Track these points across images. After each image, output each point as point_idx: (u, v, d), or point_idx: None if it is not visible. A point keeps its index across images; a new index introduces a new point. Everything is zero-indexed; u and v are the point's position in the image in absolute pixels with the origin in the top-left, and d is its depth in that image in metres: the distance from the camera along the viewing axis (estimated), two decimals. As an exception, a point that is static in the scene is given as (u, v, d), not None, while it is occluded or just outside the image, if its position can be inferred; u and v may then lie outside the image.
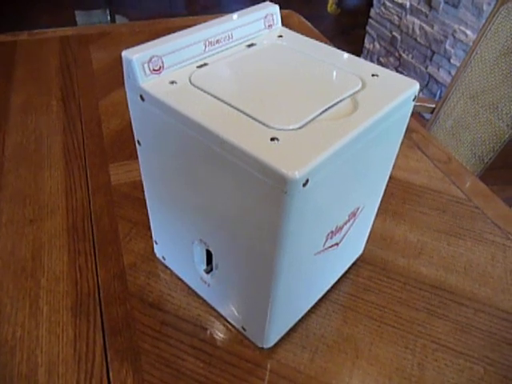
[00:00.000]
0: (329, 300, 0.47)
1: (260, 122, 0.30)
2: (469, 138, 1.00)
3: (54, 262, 0.49)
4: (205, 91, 0.33)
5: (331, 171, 0.29)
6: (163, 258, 0.48)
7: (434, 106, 1.06)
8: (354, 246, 0.47)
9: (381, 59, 2.32)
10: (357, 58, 0.39)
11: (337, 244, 0.39)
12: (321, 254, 0.37)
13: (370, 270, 0.50)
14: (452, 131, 1.03)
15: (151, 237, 0.48)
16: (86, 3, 3.08)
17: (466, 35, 1.76)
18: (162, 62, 0.34)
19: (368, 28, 2.37)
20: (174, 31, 0.36)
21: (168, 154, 0.35)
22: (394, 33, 2.16)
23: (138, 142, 0.38)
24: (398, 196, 0.60)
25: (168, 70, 0.34)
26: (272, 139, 0.28)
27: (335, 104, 0.32)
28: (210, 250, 0.39)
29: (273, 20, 0.42)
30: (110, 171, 0.61)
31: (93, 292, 0.46)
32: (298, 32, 0.42)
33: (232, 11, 0.40)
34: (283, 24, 0.43)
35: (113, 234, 0.53)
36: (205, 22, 0.39)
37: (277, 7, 0.42)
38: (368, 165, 0.35)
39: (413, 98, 0.35)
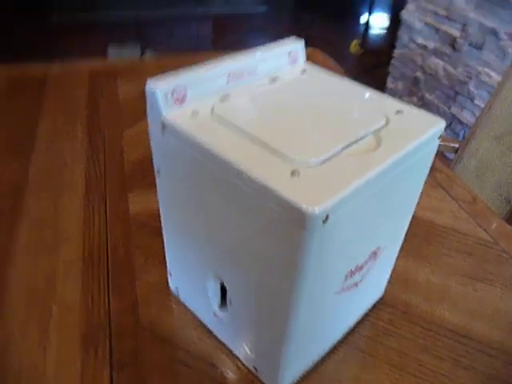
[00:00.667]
0: (347, 344, 0.44)
1: (281, 154, 0.29)
2: (493, 179, 0.97)
3: (67, 291, 0.49)
4: (226, 123, 0.32)
5: (352, 208, 0.28)
6: (177, 289, 0.47)
7: (457, 145, 1.04)
8: (374, 286, 0.46)
9: (404, 98, 2.33)
10: (381, 94, 0.38)
11: (356, 284, 0.38)
12: (340, 294, 0.36)
13: (391, 312, 0.48)
14: (476, 172, 1.00)
15: (166, 268, 0.47)
16: (118, 36, 3.21)
17: (490, 77, 1.76)
18: (185, 93, 0.34)
19: (390, 68, 2.40)
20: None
21: (186, 186, 0.35)
22: (417, 73, 2.18)
23: (158, 171, 0.38)
24: (422, 236, 0.58)
25: (191, 100, 0.34)
26: (293, 173, 0.28)
27: (358, 140, 0.32)
28: (225, 285, 0.37)
29: (297, 56, 0.42)
30: (128, 200, 0.61)
31: (104, 323, 0.45)
32: (324, 67, 0.43)
33: (258, 46, 0.40)
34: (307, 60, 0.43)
35: (127, 264, 0.52)
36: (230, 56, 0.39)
37: (302, 43, 0.42)
38: (390, 203, 0.34)
39: (438, 136, 0.34)
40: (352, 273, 0.35)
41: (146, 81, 0.33)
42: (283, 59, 0.41)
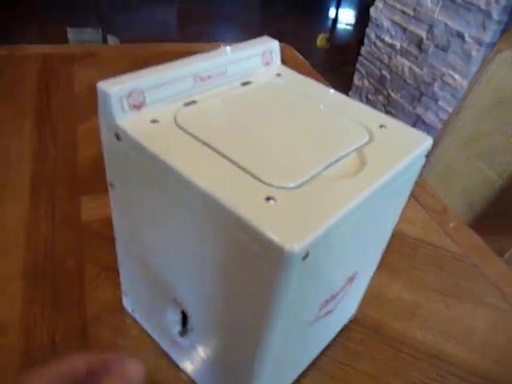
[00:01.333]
0: (317, 368, 0.42)
1: (254, 176, 0.25)
2: (460, 185, 0.98)
3: (3, 310, 0.43)
4: (191, 134, 0.28)
5: (334, 239, 0.25)
6: (133, 311, 0.43)
7: (424, 149, 1.04)
8: (347, 309, 0.43)
9: (369, 96, 2.34)
10: (362, 105, 0.35)
11: (331, 311, 0.35)
12: (313, 324, 0.32)
13: (362, 332, 0.45)
14: (443, 177, 1.00)
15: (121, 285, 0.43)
16: (78, 21, 3.06)
17: (454, 79, 1.78)
18: (144, 97, 0.29)
19: (358, 65, 2.40)
20: (164, 57, 0.32)
21: (144, 203, 0.31)
22: (384, 72, 2.19)
23: (111, 184, 0.33)
24: (393, 249, 0.56)
25: (150, 106, 0.30)
26: (267, 199, 0.24)
27: (340, 158, 0.28)
28: (186, 312, 0.33)
29: (271, 57, 0.38)
30: (81, 204, 0.56)
31: (46, 348, 0.40)
32: (291, 67, 0.39)
33: (226, 39, 0.36)
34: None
35: (77, 279, 0.47)
36: (198, 49, 0.35)
37: (276, 43, 0.38)
38: (372, 227, 0.31)
39: (425, 153, 0.32)
40: (327, 302, 0.32)
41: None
42: (256, 61, 0.37)
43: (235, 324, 0.29)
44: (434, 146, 1.02)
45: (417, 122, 2.02)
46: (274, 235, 0.22)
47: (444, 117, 1.86)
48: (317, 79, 0.37)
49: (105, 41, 2.97)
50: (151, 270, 0.35)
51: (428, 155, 0.94)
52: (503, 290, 0.52)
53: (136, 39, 2.96)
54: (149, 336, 0.42)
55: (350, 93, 2.48)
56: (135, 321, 0.43)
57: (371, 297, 0.49)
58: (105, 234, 0.51)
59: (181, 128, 0.29)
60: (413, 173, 0.32)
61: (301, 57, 1.06)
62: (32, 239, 0.50)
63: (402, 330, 0.46)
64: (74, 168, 0.61)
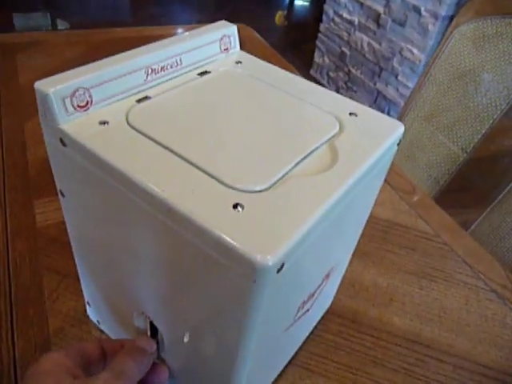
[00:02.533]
0: (296, 364, 0.40)
1: (218, 180, 0.23)
2: (424, 160, 0.98)
3: (-44, 333, 0.39)
4: (145, 135, 0.25)
5: (310, 244, 0.23)
6: (98, 322, 0.40)
7: (388, 126, 1.04)
8: (324, 302, 0.42)
9: (330, 73, 2.33)
10: (329, 91, 0.33)
11: (308, 310, 0.33)
12: (291, 326, 0.31)
13: (340, 323, 0.45)
14: (407, 153, 1.01)
15: (83, 294, 0.40)
16: (24, 6, 2.89)
17: (413, 53, 1.79)
18: (90, 96, 0.26)
19: (318, 42, 2.38)
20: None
21: (97, 213, 0.28)
22: (343, 48, 2.18)
23: (61, 192, 0.30)
24: (365, 233, 0.55)
25: (98, 105, 0.27)
26: (235, 206, 0.22)
27: (310, 153, 0.26)
28: (155, 323, 0.31)
29: (230, 43, 0.35)
30: (35, 209, 0.52)
31: (7, 370, 0.37)
32: (250, 48, 0.36)
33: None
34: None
35: (36, 291, 0.43)
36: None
37: (234, 28, 0.36)
38: (348, 221, 0.30)
39: (398, 142, 0.30)
40: (304, 303, 0.30)
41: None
42: (214, 48, 0.34)
43: (208, 337, 0.27)
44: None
45: (378, 98, 2.03)
46: (244, 248, 0.20)
47: (404, 91, 1.87)
48: (278, 60, 0.35)
49: (54, 26, 2.82)
50: (113, 281, 0.32)
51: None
52: (473, 267, 0.53)
53: (87, 23, 2.82)
54: (118, 347, 0.39)
55: (311, 71, 2.46)
56: (102, 331, 0.41)
57: (347, 285, 0.48)
58: (62, 240, 0.48)
59: (133, 128, 0.26)
60: (386, 161, 0.30)
61: (260, 37, 1.02)
62: (-18, 251, 0.46)
63: (379, 317, 0.46)
64: (25, 169, 0.57)
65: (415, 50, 1.78)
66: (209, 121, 0.28)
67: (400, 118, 1.02)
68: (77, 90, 0.25)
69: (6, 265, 0.45)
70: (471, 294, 0.50)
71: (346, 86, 2.21)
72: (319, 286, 0.32)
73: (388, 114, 1.99)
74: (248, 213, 0.21)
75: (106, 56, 0.28)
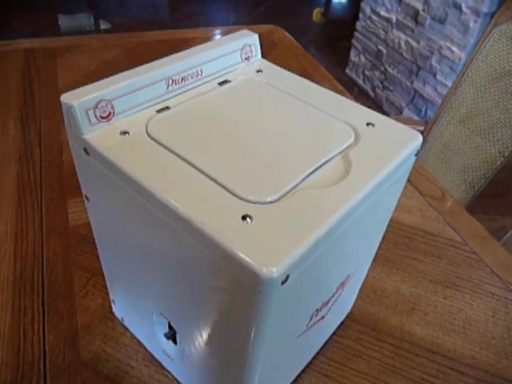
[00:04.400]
0: (313, 369, 0.41)
1: (229, 191, 0.24)
2: (459, 164, 0.96)
3: (-7, 324, 0.42)
4: (163, 145, 0.26)
5: (318, 256, 0.23)
6: (122, 319, 0.42)
7: (422, 128, 1.01)
8: (342, 309, 0.42)
9: (366, 72, 2.29)
10: (349, 100, 0.33)
11: (323, 317, 0.33)
12: (304, 333, 0.31)
13: (359, 330, 0.44)
14: (441, 156, 0.98)
15: (109, 293, 0.42)
16: (69, 8, 3.00)
17: (452, 51, 1.74)
18: (112, 107, 0.27)
19: (353, 41, 2.34)
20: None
21: (118, 218, 0.29)
22: (380, 46, 2.13)
23: (86, 196, 0.32)
24: (389, 239, 0.55)
25: (120, 116, 0.28)
26: (244, 218, 0.22)
27: (323, 164, 0.26)
28: (172, 325, 0.32)
29: (251, 51, 0.36)
30: (68, 208, 0.54)
31: (37, 362, 0.40)
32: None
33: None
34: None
35: (66, 287, 0.46)
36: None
37: (256, 37, 0.36)
38: (362, 233, 0.30)
39: (415, 153, 0.30)
40: (318, 311, 0.31)
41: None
42: (234, 57, 0.35)
43: (220, 343, 0.28)
44: (432, 124, 0.99)
45: (415, 97, 1.98)
46: (249, 260, 0.20)
47: (442, 91, 1.82)
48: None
49: (97, 26, 2.92)
50: (135, 283, 0.34)
51: (426, 134, 0.91)
52: (502, 278, 0.51)
53: (127, 23, 2.90)
54: (140, 344, 0.41)
55: (347, 69, 2.43)
56: (126, 328, 0.42)
57: (368, 291, 0.48)
58: (92, 238, 0.50)
59: (151, 138, 0.27)
60: (403, 173, 0.30)
61: (291, 38, 1.02)
62: (20, 248, 0.49)
63: (400, 326, 0.45)
64: (60, 170, 0.60)
65: (455, 48, 1.73)
66: (225, 131, 0.28)
67: (435, 120, 0.99)
68: (99, 101, 0.27)
69: (40, 262, 0.48)
70: (499, 305, 0.48)
71: (382, 86, 2.17)
72: (334, 295, 0.32)
73: (425, 113, 1.94)
74: (256, 224, 0.22)
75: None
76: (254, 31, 0.37)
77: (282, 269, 0.20)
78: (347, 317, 0.45)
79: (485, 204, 0.90)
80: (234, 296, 0.23)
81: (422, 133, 0.89)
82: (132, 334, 0.42)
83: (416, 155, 0.30)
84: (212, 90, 0.32)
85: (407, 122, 1.18)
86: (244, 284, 0.21)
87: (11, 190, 0.56)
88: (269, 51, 0.93)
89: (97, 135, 0.27)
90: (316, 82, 0.35)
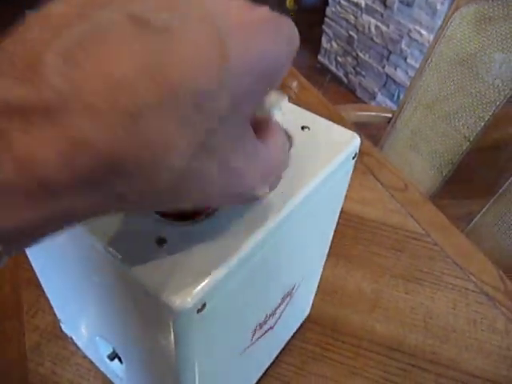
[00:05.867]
0: (271, 376, 0.40)
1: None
2: (427, 150, 0.95)
3: None
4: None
5: (243, 278, 0.22)
6: (71, 338, 0.40)
7: (390, 115, 1.01)
8: (296, 314, 0.41)
9: (339, 58, 2.27)
10: (287, 103, 0.31)
11: (271, 327, 0.32)
12: (249, 347, 0.30)
13: (319, 332, 0.44)
14: (410, 142, 0.98)
15: (57, 311, 0.40)
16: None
17: (421, 35, 1.73)
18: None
19: (325, 27, 2.32)
20: None
21: (52, 252, 0.27)
22: (351, 32, 2.12)
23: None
24: (350, 234, 0.54)
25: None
26: (159, 242, 0.21)
27: (251, 176, 0.25)
28: (113, 347, 0.31)
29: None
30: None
31: (-18, 388, 0.38)
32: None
33: None
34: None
35: (15, 306, 0.44)
36: None
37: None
38: (297, 245, 0.28)
39: (353, 155, 0.29)
40: (262, 324, 0.30)
41: None
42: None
43: (155, 365, 0.26)
44: (400, 110, 0.99)
45: (387, 82, 1.98)
46: (161, 291, 0.19)
47: (413, 74, 1.82)
48: None
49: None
50: (74, 303, 0.32)
51: (394, 121, 0.90)
52: (463, 268, 0.51)
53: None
54: (92, 363, 0.39)
55: (319, 56, 2.42)
56: (77, 347, 0.41)
57: (328, 291, 0.47)
58: (43, 253, 0.48)
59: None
60: (341, 178, 0.29)
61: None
62: (-37, 267, 0.47)
63: (360, 325, 0.45)
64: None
65: (424, 32, 1.72)
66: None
67: (402, 106, 0.99)
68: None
69: (-14, 280, 0.46)
70: (460, 297, 0.48)
71: (355, 71, 2.16)
72: (279, 305, 0.31)
73: (398, 98, 1.94)
74: (171, 248, 0.21)
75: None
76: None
77: (194, 299, 0.19)
78: (306, 319, 0.44)
79: (453, 189, 0.90)
80: (154, 322, 0.21)
81: (389, 119, 0.88)
82: (85, 355, 0.40)
83: (354, 158, 0.29)
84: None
85: (376, 109, 1.17)
86: (159, 313, 0.20)
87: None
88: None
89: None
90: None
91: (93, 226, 0.21)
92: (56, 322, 0.42)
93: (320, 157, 0.26)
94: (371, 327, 0.44)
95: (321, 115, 0.30)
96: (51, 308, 0.44)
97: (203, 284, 0.19)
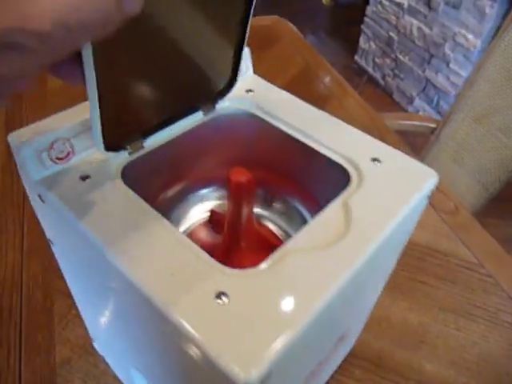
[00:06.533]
0: (310, 414, 0.37)
1: (204, 262, 0.20)
2: (472, 164, 0.90)
3: (-36, 362, 0.39)
4: (133, 197, 0.22)
5: (307, 341, 0.19)
6: (103, 357, 0.39)
7: (435, 126, 0.96)
8: (343, 352, 0.38)
9: (376, 60, 2.21)
10: (351, 128, 0.28)
11: (320, 370, 0.30)
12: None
13: (362, 367, 0.41)
14: (454, 155, 0.93)
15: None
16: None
17: (467, 39, 1.66)
18: (72, 146, 0.23)
19: (363, 27, 2.26)
20: None
21: (87, 269, 0.25)
22: (391, 33, 2.05)
23: (50, 240, 0.28)
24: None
25: (80, 156, 0.24)
26: (218, 296, 0.18)
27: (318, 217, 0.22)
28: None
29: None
30: (51, 225, 0.51)
31: (11, 404, 0.37)
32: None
33: None
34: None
35: (46, 317, 0.42)
36: None
37: (247, 49, 0.31)
38: (367, 288, 0.26)
39: (428, 194, 0.26)
40: (313, 372, 0.27)
41: None
42: (221, 75, 0.30)
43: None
44: (445, 121, 0.94)
45: (426, 87, 1.91)
46: (220, 357, 0.16)
47: (456, 80, 1.75)
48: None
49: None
50: (112, 333, 0.30)
51: (438, 132, 0.85)
52: (522, 305, 0.47)
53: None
54: (123, 384, 0.38)
55: (356, 56, 2.35)
56: (108, 366, 0.39)
57: (372, 322, 0.44)
58: (76, 261, 0.47)
59: (119, 190, 0.23)
60: (412, 220, 0.26)
61: (296, 30, 0.97)
62: (-3, 271, 0.46)
63: (407, 362, 0.41)
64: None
65: (470, 36, 1.65)
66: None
67: (448, 117, 0.94)
68: (55, 141, 0.23)
69: (19, 287, 0.45)
70: (516, 338, 0.44)
71: (393, 74, 2.10)
72: (331, 353, 0.28)
73: (437, 103, 1.87)
74: (232, 305, 0.18)
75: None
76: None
77: (260, 370, 0.16)
78: (349, 353, 0.41)
79: (499, 208, 0.85)
80: (207, 381, 0.19)
81: (434, 130, 0.83)
82: (114, 374, 0.38)
83: (429, 197, 0.26)
84: (195, 122, 0.28)
85: (419, 119, 1.12)
86: (217, 379, 0.17)
87: (-8, 203, 0.53)
88: (272, 44, 0.87)
89: (52, 180, 0.23)
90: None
91: (143, 274, 0.19)
92: (87, 335, 0.41)
93: (397, 196, 0.23)
94: (418, 365, 0.41)
95: (363, 123, 0.27)
96: (83, 320, 0.42)
97: (271, 351, 0.17)
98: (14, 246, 0.48)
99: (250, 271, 0.19)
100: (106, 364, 0.39)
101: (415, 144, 0.79)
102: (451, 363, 0.42)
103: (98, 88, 0.19)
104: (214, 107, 0.28)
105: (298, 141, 0.27)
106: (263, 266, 0.20)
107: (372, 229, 0.22)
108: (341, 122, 0.29)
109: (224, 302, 0.18)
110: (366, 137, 0.28)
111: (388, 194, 0.24)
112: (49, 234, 0.27)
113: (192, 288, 0.18)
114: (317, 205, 0.28)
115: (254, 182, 0.25)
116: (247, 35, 0.25)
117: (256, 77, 0.32)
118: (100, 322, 0.31)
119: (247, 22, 0.24)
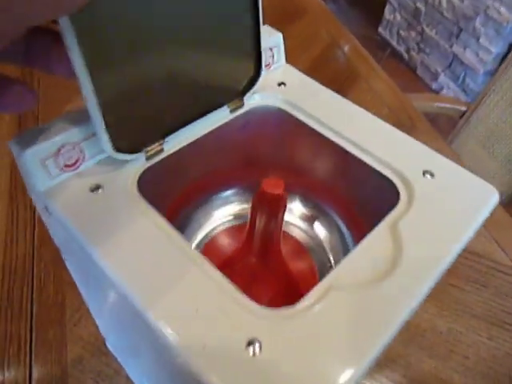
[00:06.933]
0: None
1: (234, 303, 0.17)
2: (504, 152, 0.86)
3: (-28, 358, 0.38)
4: (150, 212, 0.19)
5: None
6: (115, 356, 0.37)
7: (465, 108, 0.91)
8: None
9: (401, 32, 2.11)
10: (396, 131, 0.25)
11: None
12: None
13: (390, 376, 0.38)
14: (484, 141, 0.88)
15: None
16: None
17: (500, 13, 1.56)
18: (81, 151, 0.20)
19: (389, -4, 2.15)
20: None
21: (98, 289, 0.23)
22: (418, 4, 1.95)
23: (61, 251, 0.25)
24: (427, 260, 0.47)
25: (91, 163, 0.21)
26: (249, 343, 0.16)
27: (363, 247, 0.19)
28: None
29: (273, 56, 0.28)
30: (63, 212, 0.48)
31: (21, 403, 0.35)
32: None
33: None
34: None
35: (58, 310, 0.41)
36: None
37: (280, 36, 0.28)
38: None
39: (488, 214, 0.22)
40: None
41: None
42: (250, 66, 0.27)
43: None
44: (477, 104, 0.88)
45: (453, 62, 1.83)
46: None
47: (485, 57, 1.66)
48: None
49: None
50: (126, 345, 0.28)
51: (469, 115, 0.80)
52: (560, 314, 0.44)
53: None
54: (136, 387, 0.36)
55: (380, 28, 2.25)
56: (121, 365, 0.37)
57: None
58: (89, 252, 0.45)
59: (136, 201, 0.20)
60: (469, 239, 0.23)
61: (323, 4, 0.91)
62: (9, 261, 0.44)
63: (436, 373, 0.39)
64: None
65: (503, 9, 1.55)
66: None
67: (480, 101, 0.88)
68: (63, 146, 0.20)
69: (30, 278, 0.43)
70: (553, 350, 0.41)
71: (418, 48, 2.01)
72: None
73: (463, 81, 1.79)
74: (264, 355, 0.15)
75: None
76: None
77: None
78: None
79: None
80: None
81: (464, 114, 0.78)
82: (127, 375, 0.37)
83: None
84: (220, 118, 0.24)
85: (449, 101, 1.06)
86: None
87: (3, 189, 0.51)
88: (296, 18, 0.82)
89: (60, 191, 0.20)
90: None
91: (160, 312, 0.16)
92: (99, 334, 0.39)
93: (454, 222, 0.20)
94: (449, 377, 0.39)
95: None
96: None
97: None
98: (25, 238, 0.46)
99: (285, 312, 0.17)
100: (119, 364, 0.37)
101: (438, 126, 0.75)
102: (482, 375, 0.39)
103: (88, 68, 0.17)
104: (241, 103, 0.25)
105: (336, 145, 0.24)
106: (301, 304, 0.17)
107: (425, 264, 0.19)
108: (384, 123, 0.25)
109: (256, 352, 0.15)
110: (414, 142, 0.24)
111: (443, 218, 0.20)
112: (57, 242, 0.25)
113: (223, 334, 0.16)
114: (352, 212, 0.26)
115: (286, 194, 0.22)
116: (261, 15, 0.23)
117: (289, 67, 0.29)
118: (111, 335, 0.29)
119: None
